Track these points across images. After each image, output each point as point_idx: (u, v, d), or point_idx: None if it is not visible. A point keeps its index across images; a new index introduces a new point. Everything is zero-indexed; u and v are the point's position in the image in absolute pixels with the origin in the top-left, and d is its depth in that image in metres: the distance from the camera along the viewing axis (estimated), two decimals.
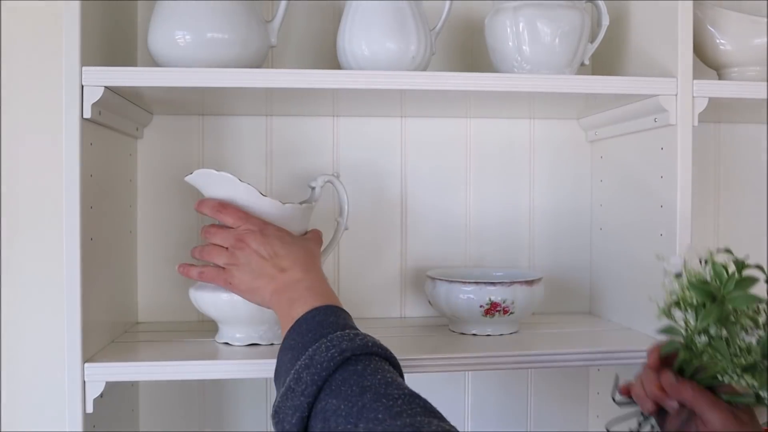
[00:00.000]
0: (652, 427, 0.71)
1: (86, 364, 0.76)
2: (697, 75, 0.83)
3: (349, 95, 0.85)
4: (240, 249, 0.77)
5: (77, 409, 0.75)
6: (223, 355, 0.81)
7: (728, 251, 0.67)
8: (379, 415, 0.54)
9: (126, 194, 0.95)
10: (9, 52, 0.98)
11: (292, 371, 0.61)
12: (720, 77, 0.95)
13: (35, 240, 0.98)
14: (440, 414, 0.56)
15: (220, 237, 0.79)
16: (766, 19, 0.89)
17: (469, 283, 0.89)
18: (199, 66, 0.79)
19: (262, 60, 0.86)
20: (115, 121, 0.85)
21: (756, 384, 0.61)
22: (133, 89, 0.80)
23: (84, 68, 0.75)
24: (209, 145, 1.02)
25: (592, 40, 0.91)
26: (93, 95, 0.75)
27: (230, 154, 1.02)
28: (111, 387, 0.78)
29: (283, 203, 0.81)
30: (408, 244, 1.06)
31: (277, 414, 0.60)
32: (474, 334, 0.91)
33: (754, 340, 0.62)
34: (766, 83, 0.85)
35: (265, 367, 0.78)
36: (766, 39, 0.89)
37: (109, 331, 0.87)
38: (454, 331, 0.94)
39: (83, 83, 0.75)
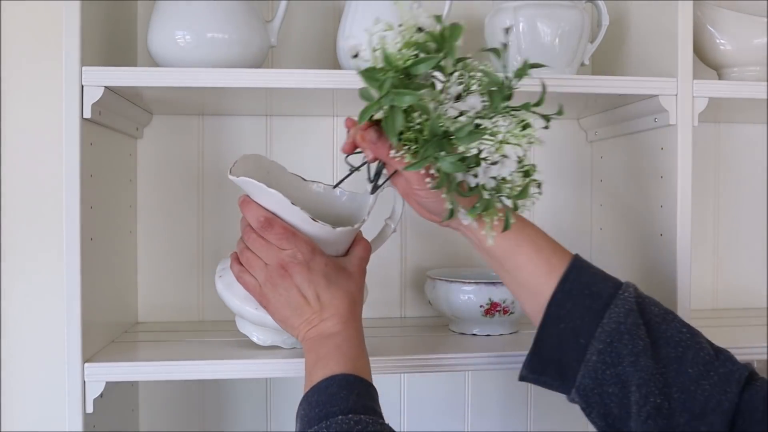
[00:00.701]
0: (378, 167, 0.74)
1: (86, 364, 0.76)
2: (697, 75, 0.83)
3: (348, 95, 0.85)
4: (281, 277, 0.70)
5: (77, 409, 0.75)
6: (223, 355, 0.81)
7: (437, 18, 0.65)
8: None
9: (126, 194, 0.95)
10: (9, 52, 0.98)
11: None
12: (720, 77, 0.95)
13: (35, 240, 0.98)
14: None
15: (262, 251, 0.71)
16: (766, 19, 0.89)
17: (469, 283, 0.89)
18: (199, 66, 0.79)
19: (262, 60, 0.86)
20: (115, 121, 0.85)
21: (413, 160, 0.62)
22: (133, 89, 0.80)
23: (84, 68, 0.75)
24: (209, 145, 1.02)
25: (592, 40, 0.91)
26: (93, 95, 0.75)
27: (230, 154, 1.02)
28: (111, 387, 0.78)
29: (334, 227, 0.72)
30: (408, 244, 1.06)
31: None
32: (474, 334, 0.91)
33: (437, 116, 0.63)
34: (766, 83, 0.85)
35: (266, 368, 0.78)
36: (766, 39, 0.89)
37: (109, 331, 0.87)
38: (454, 331, 0.94)
39: (83, 83, 0.75)
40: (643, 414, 0.60)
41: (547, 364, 0.68)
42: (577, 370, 0.65)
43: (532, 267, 0.69)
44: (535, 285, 0.69)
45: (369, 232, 0.87)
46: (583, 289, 0.66)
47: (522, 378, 0.71)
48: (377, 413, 0.63)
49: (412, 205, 0.73)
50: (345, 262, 0.75)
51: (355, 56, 0.65)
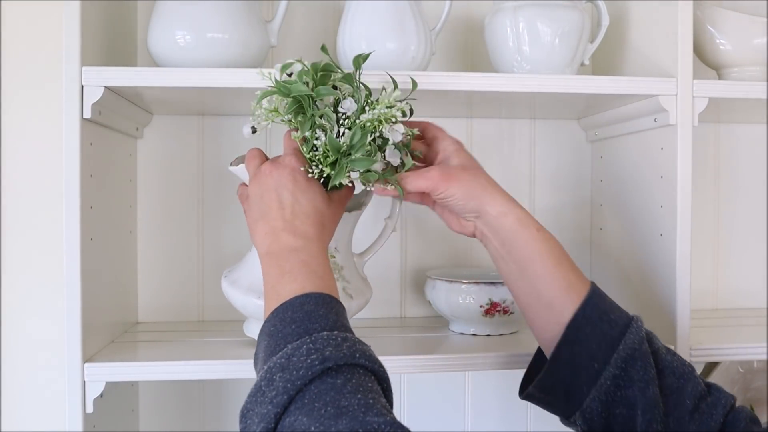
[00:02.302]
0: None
1: (86, 364, 0.76)
2: (697, 75, 0.83)
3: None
4: (263, 174, 0.70)
5: (77, 409, 0.75)
6: (224, 355, 0.81)
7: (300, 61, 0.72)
8: None
9: (126, 194, 0.95)
10: (9, 52, 0.98)
11: (266, 367, 0.55)
12: (720, 77, 0.95)
13: (35, 240, 0.98)
14: None
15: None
16: (766, 19, 0.89)
17: (469, 283, 0.89)
18: (199, 66, 0.79)
19: (262, 60, 0.86)
20: (115, 121, 0.85)
21: (332, 172, 0.69)
22: (133, 89, 0.80)
23: (84, 68, 0.75)
24: (209, 145, 1.02)
25: (592, 40, 0.91)
26: (93, 95, 0.75)
27: (230, 154, 1.01)
28: (111, 387, 0.79)
29: None
30: (408, 244, 1.06)
31: (244, 418, 0.54)
32: (474, 334, 0.91)
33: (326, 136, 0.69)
34: (766, 83, 0.85)
35: None
36: (766, 39, 0.90)
37: (109, 331, 0.87)
38: (454, 331, 0.94)
39: (83, 83, 0.75)
40: None
41: (557, 384, 0.68)
42: (586, 394, 0.66)
43: (551, 279, 0.69)
44: (551, 297, 0.69)
45: (369, 234, 0.88)
46: (601, 315, 0.67)
47: (528, 396, 0.71)
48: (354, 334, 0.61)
49: (447, 220, 0.77)
50: (329, 193, 0.73)
51: (254, 131, 0.74)
